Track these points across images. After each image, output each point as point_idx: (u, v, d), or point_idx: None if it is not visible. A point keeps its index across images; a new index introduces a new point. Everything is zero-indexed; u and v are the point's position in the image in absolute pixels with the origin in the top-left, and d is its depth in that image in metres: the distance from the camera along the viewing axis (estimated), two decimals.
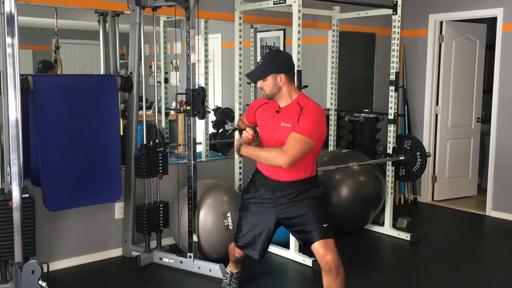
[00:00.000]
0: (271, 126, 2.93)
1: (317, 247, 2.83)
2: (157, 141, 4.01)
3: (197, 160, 3.86)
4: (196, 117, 3.66)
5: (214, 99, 5.37)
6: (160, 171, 4.00)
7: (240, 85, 4.43)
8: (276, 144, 2.88)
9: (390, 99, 4.68)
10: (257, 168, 3.08)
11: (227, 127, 3.11)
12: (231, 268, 3.51)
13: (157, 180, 4.06)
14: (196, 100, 3.61)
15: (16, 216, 2.96)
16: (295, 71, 3.12)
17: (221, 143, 5.39)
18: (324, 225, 2.88)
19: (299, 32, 3.89)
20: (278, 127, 2.89)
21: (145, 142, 3.95)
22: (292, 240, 4.09)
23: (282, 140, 2.84)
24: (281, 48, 5.38)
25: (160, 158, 4.00)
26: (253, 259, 3.12)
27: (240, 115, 4.44)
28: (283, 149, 2.76)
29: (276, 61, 2.92)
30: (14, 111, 2.93)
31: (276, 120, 2.91)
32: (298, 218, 2.93)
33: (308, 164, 2.95)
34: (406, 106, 6.08)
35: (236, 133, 3.53)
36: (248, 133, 2.96)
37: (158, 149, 4.00)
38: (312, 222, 2.89)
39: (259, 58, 5.43)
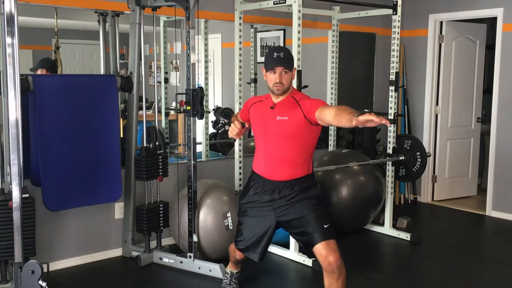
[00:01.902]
0: (266, 121, 2.93)
1: (319, 248, 2.82)
2: (157, 143, 4.01)
3: (197, 160, 3.86)
4: (196, 117, 3.66)
5: (214, 99, 5.37)
6: (160, 173, 4.01)
7: (240, 85, 4.43)
8: (271, 138, 2.91)
9: (390, 99, 4.68)
10: (253, 171, 3.06)
11: (221, 121, 3.07)
12: (231, 268, 3.51)
13: (157, 181, 4.06)
14: (195, 100, 3.61)
15: (16, 216, 2.96)
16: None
17: (221, 143, 5.39)
18: (325, 226, 2.87)
19: (299, 32, 3.89)
20: (274, 121, 2.89)
21: (145, 145, 3.95)
22: (292, 240, 4.09)
23: (279, 133, 2.87)
24: None
25: (160, 160, 4.00)
26: (253, 260, 3.11)
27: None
28: (337, 107, 2.74)
29: (292, 56, 2.95)
30: (14, 111, 2.93)
31: (271, 115, 2.92)
32: (298, 220, 2.92)
33: (305, 160, 2.94)
34: (406, 106, 6.08)
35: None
36: (235, 126, 2.90)
37: (158, 152, 4.00)
38: (312, 224, 2.88)
39: (259, 58, 5.44)
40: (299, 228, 2.93)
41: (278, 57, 2.86)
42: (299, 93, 3.00)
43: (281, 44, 5.40)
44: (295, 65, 3.87)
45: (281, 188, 2.93)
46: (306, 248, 2.98)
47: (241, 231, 3.11)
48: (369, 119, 2.38)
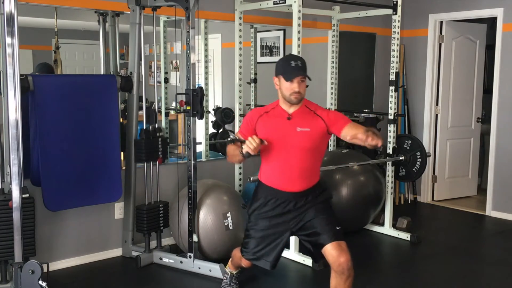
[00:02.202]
0: (286, 133, 2.85)
1: (330, 248, 2.81)
2: (157, 126, 3.98)
3: (197, 160, 3.86)
4: (196, 117, 3.66)
5: (214, 99, 5.37)
6: (160, 155, 3.98)
7: (240, 85, 4.43)
8: (292, 150, 2.84)
9: (390, 99, 4.68)
10: (263, 183, 2.98)
11: (231, 136, 2.92)
12: (230, 269, 3.49)
13: (157, 179, 4.06)
14: (195, 100, 3.61)
15: (16, 216, 2.96)
16: None
17: (221, 143, 5.39)
18: (337, 228, 2.88)
19: (299, 32, 3.89)
20: (294, 133, 2.84)
21: (144, 127, 3.92)
22: (292, 240, 4.09)
23: (300, 145, 2.83)
24: (281, 48, 5.38)
25: (160, 142, 3.98)
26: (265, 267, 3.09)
27: (240, 115, 4.45)
28: (364, 128, 2.77)
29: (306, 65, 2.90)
30: (14, 111, 2.93)
31: (290, 127, 2.85)
32: (310, 222, 2.90)
33: (317, 170, 2.99)
34: (406, 106, 6.08)
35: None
36: (254, 140, 2.70)
37: (158, 134, 3.98)
38: (322, 225, 2.87)
39: (259, 58, 5.44)
40: (310, 230, 2.91)
41: (297, 66, 2.82)
42: (311, 103, 2.96)
43: (281, 44, 5.40)
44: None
45: (297, 199, 2.90)
46: (314, 250, 2.94)
47: (250, 242, 3.04)
48: (369, 136, 2.62)
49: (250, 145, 2.69)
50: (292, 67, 2.82)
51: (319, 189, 2.98)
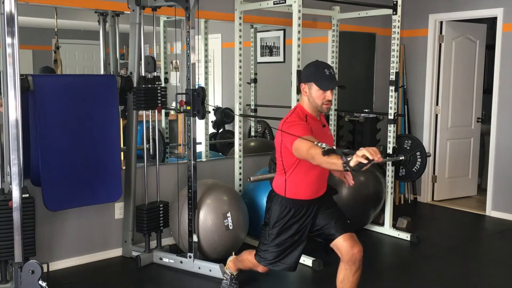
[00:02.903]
0: (324, 140, 2.75)
1: (343, 239, 2.86)
2: (155, 74, 3.94)
3: (197, 160, 3.86)
4: (196, 117, 3.66)
5: (214, 99, 5.37)
6: (159, 103, 3.96)
7: (240, 85, 4.43)
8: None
9: (390, 99, 4.68)
10: (290, 198, 2.91)
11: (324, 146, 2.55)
12: (231, 270, 3.48)
13: (157, 180, 4.06)
14: (196, 100, 3.61)
15: (16, 216, 2.96)
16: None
17: (221, 143, 5.39)
18: (348, 221, 2.96)
19: (299, 32, 3.89)
20: (328, 140, 2.87)
21: (143, 74, 3.90)
22: None
23: None
24: (281, 49, 5.38)
25: (159, 91, 3.95)
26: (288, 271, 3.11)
27: (240, 115, 4.44)
28: None
29: None
30: (14, 111, 2.93)
31: (325, 134, 2.93)
32: (320, 217, 2.97)
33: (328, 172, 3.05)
34: (406, 106, 6.08)
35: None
36: (376, 153, 2.27)
37: (157, 83, 3.95)
38: (334, 218, 2.94)
39: (259, 58, 5.44)
40: (322, 224, 2.95)
41: (331, 75, 2.80)
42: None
43: (281, 44, 5.40)
44: (295, 66, 3.89)
45: (318, 201, 2.97)
46: (325, 242, 2.97)
47: (271, 254, 2.99)
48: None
49: (375, 154, 2.27)
50: (327, 76, 2.79)
51: (329, 187, 3.09)
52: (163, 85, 4.02)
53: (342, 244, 2.85)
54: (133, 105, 3.93)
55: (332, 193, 3.10)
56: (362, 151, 2.27)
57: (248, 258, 3.23)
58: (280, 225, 2.94)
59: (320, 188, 2.99)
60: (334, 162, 2.41)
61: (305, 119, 2.83)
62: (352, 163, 2.32)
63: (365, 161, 2.27)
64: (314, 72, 2.82)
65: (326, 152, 2.44)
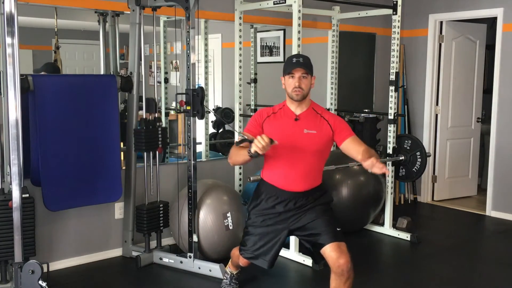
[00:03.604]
0: (292, 134, 2.85)
1: (330, 250, 2.79)
2: (156, 115, 3.96)
3: (197, 160, 3.86)
4: (196, 117, 3.66)
5: (214, 99, 5.37)
6: (160, 145, 3.97)
7: (240, 85, 4.43)
8: (297, 151, 2.85)
9: (390, 99, 4.68)
10: (266, 181, 2.98)
11: (236, 136, 2.82)
12: (231, 269, 3.49)
13: (157, 178, 4.06)
14: (195, 100, 3.61)
15: (16, 216, 2.96)
16: None
17: (221, 143, 5.39)
18: (337, 229, 2.87)
19: (299, 32, 3.89)
20: (301, 135, 2.85)
21: (144, 116, 3.91)
22: (292, 240, 4.09)
23: (306, 146, 2.84)
24: (281, 48, 5.38)
25: (160, 132, 3.96)
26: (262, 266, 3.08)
27: (240, 115, 4.45)
28: (366, 147, 2.81)
29: (311, 63, 2.90)
30: (14, 111, 2.93)
31: (297, 128, 2.86)
32: (310, 223, 2.90)
33: (320, 172, 3.00)
34: (406, 106, 6.08)
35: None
36: (263, 139, 2.55)
37: (158, 124, 3.97)
38: (324, 226, 2.86)
39: (259, 58, 5.44)
40: (310, 230, 2.90)
41: (297, 62, 2.84)
42: (317, 105, 2.98)
43: (281, 44, 5.40)
44: None
45: (297, 198, 2.90)
46: (314, 250, 2.93)
47: (249, 240, 3.03)
48: (373, 166, 2.56)
49: (258, 143, 2.56)
50: (293, 63, 2.84)
51: (320, 191, 2.98)
52: (164, 125, 4.02)
53: (329, 254, 2.79)
54: (133, 146, 3.94)
55: (326, 198, 3.00)
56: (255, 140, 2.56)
57: (235, 253, 3.27)
58: (259, 208, 2.97)
59: (297, 182, 2.89)
60: (241, 153, 2.72)
61: (275, 112, 2.92)
62: (252, 150, 2.59)
63: (254, 149, 2.56)
64: (285, 65, 2.89)
65: (239, 143, 2.73)
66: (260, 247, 2.99)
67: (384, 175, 4.78)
